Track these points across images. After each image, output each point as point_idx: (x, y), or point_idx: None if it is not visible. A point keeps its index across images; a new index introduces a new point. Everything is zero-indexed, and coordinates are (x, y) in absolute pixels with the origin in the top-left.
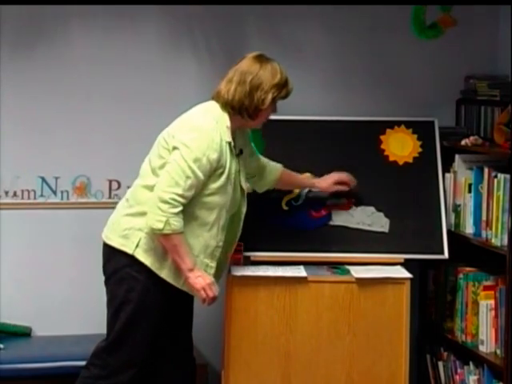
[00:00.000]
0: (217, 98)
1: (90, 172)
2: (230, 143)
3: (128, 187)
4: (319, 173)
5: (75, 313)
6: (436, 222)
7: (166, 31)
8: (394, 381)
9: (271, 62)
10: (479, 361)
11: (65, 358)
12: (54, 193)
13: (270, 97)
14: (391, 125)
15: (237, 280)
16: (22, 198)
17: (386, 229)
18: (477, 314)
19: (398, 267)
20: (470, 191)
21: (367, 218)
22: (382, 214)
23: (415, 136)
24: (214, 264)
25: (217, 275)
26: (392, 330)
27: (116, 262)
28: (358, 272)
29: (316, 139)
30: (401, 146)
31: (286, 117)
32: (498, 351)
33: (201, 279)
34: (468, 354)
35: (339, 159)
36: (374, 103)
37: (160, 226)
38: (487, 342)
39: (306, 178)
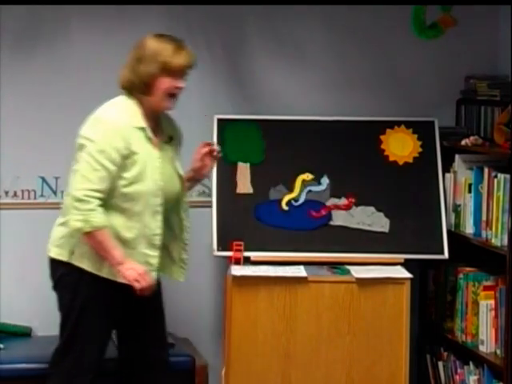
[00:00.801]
0: (119, 86)
1: None
2: (143, 129)
3: None
4: (319, 173)
5: None
6: (436, 222)
7: (166, 30)
8: (394, 381)
9: (165, 35)
10: (479, 361)
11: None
12: (54, 193)
13: (154, 66)
14: (391, 125)
15: (237, 280)
16: (22, 198)
17: (386, 229)
18: (477, 314)
19: (398, 267)
20: (470, 191)
21: (367, 218)
22: (382, 214)
23: (415, 136)
24: (155, 253)
25: (174, 267)
26: (392, 329)
27: (57, 272)
28: (358, 272)
29: (316, 139)
30: (401, 146)
31: (286, 117)
32: (498, 351)
33: (132, 271)
34: (468, 354)
35: (339, 159)
36: (374, 103)
37: (79, 225)
38: (487, 342)
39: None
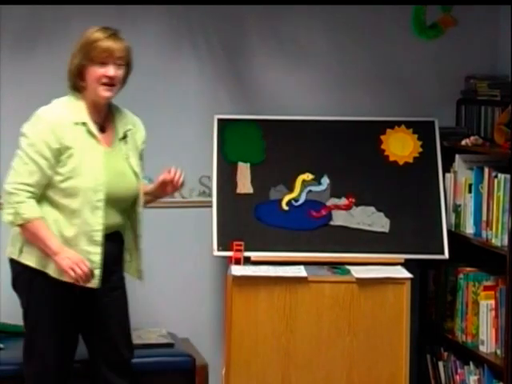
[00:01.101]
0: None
1: None
2: (85, 124)
3: None
4: (319, 173)
5: None
6: (436, 222)
7: (166, 31)
8: (394, 381)
9: (95, 29)
10: (479, 361)
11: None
12: None
13: (79, 56)
14: (391, 125)
15: (237, 280)
16: None
17: (386, 229)
18: (477, 314)
19: (399, 267)
20: (470, 191)
21: (367, 218)
22: (382, 214)
23: (415, 136)
24: (97, 250)
25: (132, 269)
26: (392, 329)
27: (14, 271)
28: (358, 272)
29: (316, 139)
30: (401, 146)
31: (286, 117)
32: (499, 351)
33: (67, 260)
34: (468, 354)
35: (339, 159)
36: (375, 103)
37: (11, 218)
38: (487, 342)
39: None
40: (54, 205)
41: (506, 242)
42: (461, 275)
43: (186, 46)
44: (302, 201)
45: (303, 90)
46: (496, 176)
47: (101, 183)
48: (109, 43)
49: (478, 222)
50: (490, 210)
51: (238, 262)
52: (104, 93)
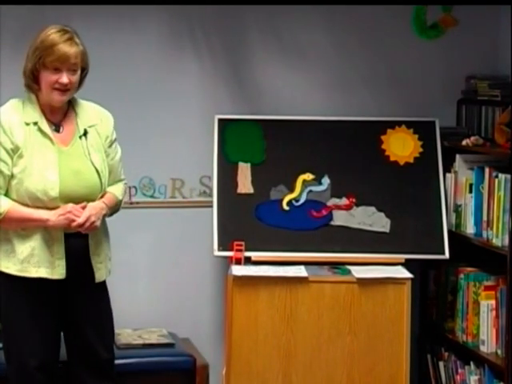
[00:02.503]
0: None
1: None
2: (36, 123)
3: (129, 186)
4: (320, 173)
5: None
6: (437, 222)
7: (167, 30)
8: (394, 381)
9: (54, 28)
10: (480, 361)
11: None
12: None
13: (32, 61)
14: (392, 125)
15: (237, 280)
16: None
17: (386, 229)
18: (478, 314)
19: (399, 267)
20: (470, 191)
21: (368, 218)
22: (382, 214)
23: (416, 136)
24: (58, 242)
25: (98, 266)
26: (393, 329)
27: None
28: (358, 272)
29: (317, 139)
30: (402, 146)
31: (286, 117)
32: (499, 351)
33: (61, 217)
34: (469, 354)
35: (340, 159)
36: (375, 103)
37: None
38: (488, 342)
39: None
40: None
41: (506, 242)
42: (461, 275)
43: (186, 46)
44: (302, 201)
45: (303, 90)
46: (496, 176)
47: (52, 182)
48: (64, 49)
49: (478, 222)
50: (490, 210)
51: (238, 262)
52: (57, 97)
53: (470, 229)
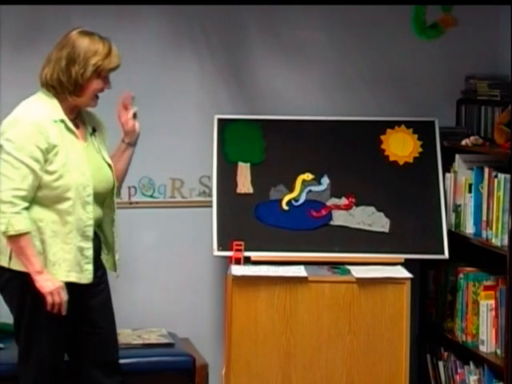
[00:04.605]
0: (40, 82)
1: None
2: (62, 121)
3: (128, 186)
4: (319, 173)
5: None
6: (436, 222)
7: (166, 29)
8: (394, 380)
9: (92, 34)
10: (479, 361)
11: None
12: None
13: (89, 69)
14: (391, 125)
15: (237, 280)
16: None
17: (386, 229)
18: (477, 314)
19: (399, 267)
20: (470, 191)
21: (368, 218)
22: (382, 214)
23: (415, 136)
24: (89, 245)
25: (108, 257)
26: (392, 329)
27: (1, 278)
28: (358, 272)
29: (316, 139)
30: (401, 146)
31: (286, 117)
32: (499, 351)
33: (49, 283)
34: (468, 354)
35: (339, 159)
36: (375, 103)
37: (3, 228)
38: (487, 342)
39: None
40: (46, 206)
41: (506, 241)
42: (461, 275)
43: (186, 46)
44: (302, 201)
45: (303, 90)
46: (496, 176)
47: (88, 177)
48: (117, 60)
49: (478, 221)
50: (490, 209)
51: (238, 261)
52: (95, 103)
53: (469, 229)
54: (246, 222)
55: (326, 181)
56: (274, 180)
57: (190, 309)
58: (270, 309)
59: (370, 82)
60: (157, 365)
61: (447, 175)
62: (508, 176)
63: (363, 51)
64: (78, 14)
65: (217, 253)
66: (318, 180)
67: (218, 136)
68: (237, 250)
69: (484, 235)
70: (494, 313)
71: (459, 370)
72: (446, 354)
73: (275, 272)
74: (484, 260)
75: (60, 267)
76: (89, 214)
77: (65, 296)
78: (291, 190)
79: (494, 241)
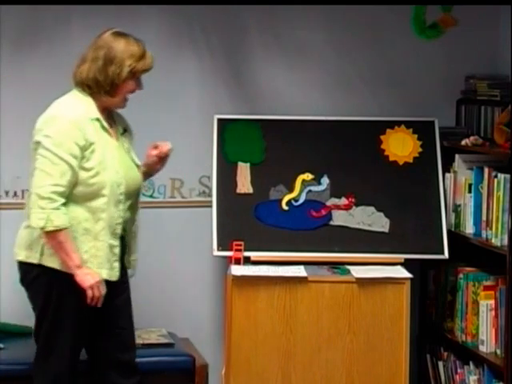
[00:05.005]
0: (74, 80)
1: None
2: (98, 119)
3: None
4: (319, 173)
5: None
6: (436, 222)
7: (166, 29)
8: (394, 380)
9: (127, 36)
10: (479, 361)
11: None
12: None
13: (125, 70)
14: (391, 125)
15: (237, 280)
16: (23, 198)
17: (386, 229)
18: (477, 314)
19: (398, 267)
20: (470, 191)
21: (367, 218)
22: (382, 214)
23: (415, 136)
24: (117, 243)
25: (127, 257)
26: (392, 329)
27: (28, 275)
28: (358, 272)
29: (316, 139)
30: (401, 146)
31: (286, 117)
32: (498, 351)
33: (89, 277)
34: (468, 354)
35: (339, 159)
36: (374, 103)
37: (41, 223)
38: (487, 342)
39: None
40: (79, 203)
41: (505, 241)
42: (461, 275)
43: (185, 46)
44: (301, 201)
45: (303, 90)
46: (496, 176)
47: (121, 176)
48: (151, 62)
49: (477, 221)
50: (489, 209)
51: (237, 261)
52: (124, 104)
53: (469, 229)
54: (246, 222)
55: (325, 181)
56: (273, 180)
57: (190, 309)
58: (270, 309)
59: (370, 82)
60: (157, 365)
61: (447, 175)
62: (508, 176)
63: (363, 51)
64: (77, 13)
65: (217, 253)
66: (317, 180)
67: (218, 136)
68: (237, 250)
69: (484, 235)
70: (493, 313)
71: (459, 370)
72: (445, 354)
73: (275, 272)
74: (484, 260)
75: (92, 264)
76: (120, 212)
77: (103, 290)
78: (291, 190)
79: (493, 241)
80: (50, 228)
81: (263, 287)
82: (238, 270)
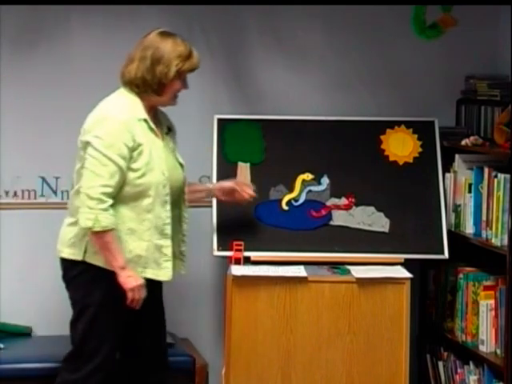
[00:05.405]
0: (122, 80)
1: None
2: (145, 120)
3: None
4: (319, 173)
5: None
6: (436, 222)
7: (166, 29)
8: (394, 380)
9: (174, 36)
10: (479, 361)
11: None
12: (55, 193)
13: (173, 69)
14: (391, 125)
15: (237, 280)
16: (23, 198)
17: (386, 229)
18: (477, 313)
19: (399, 267)
20: (470, 191)
21: (367, 218)
22: (382, 214)
23: (415, 136)
24: (168, 243)
25: (175, 260)
26: (392, 329)
27: (71, 272)
28: (358, 272)
29: (316, 139)
30: (401, 146)
31: (286, 117)
32: (498, 351)
33: (132, 279)
34: (468, 354)
35: (339, 159)
36: (374, 103)
37: (90, 223)
38: (487, 342)
39: (204, 185)
40: (124, 203)
41: (505, 241)
42: (461, 275)
43: None
44: (301, 201)
45: (303, 90)
46: (496, 176)
47: (167, 177)
48: (198, 62)
49: (477, 221)
50: (489, 209)
51: (238, 261)
52: (174, 102)
53: (469, 229)
54: (246, 222)
55: (325, 181)
56: (273, 180)
57: (189, 309)
58: (270, 309)
59: (370, 82)
60: None
61: (447, 175)
62: (508, 176)
63: (363, 51)
64: (77, 13)
65: (217, 253)
66: (317, 180)
67: (218, 136)
68: (237, 250)
69: (484, 235)
70: (493, 313)
71: (459, 370)
72: (445, 353)
73: (275, 272)
74: (484, 260)
75: (136, 264)
76: (167, 213)
77: (144, 293)
78: (291, 190)
79: (493, 241)
80: (97, 228)
81: (263, 287)
82: (238, 270)
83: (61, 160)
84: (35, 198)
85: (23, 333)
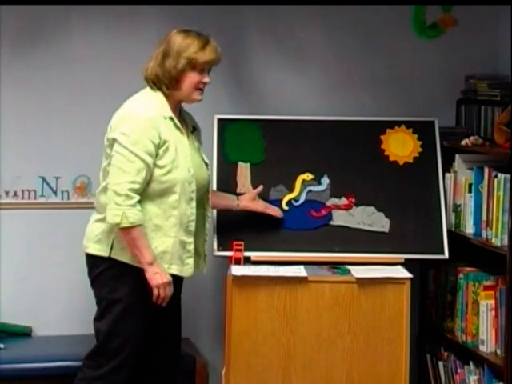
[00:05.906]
0: (144, 79)
1: (91, 172)
2: (171, 118)
3: None
4: (319, 173)
5: (75, 313)
6: (436, 222)
7: (166, 29)
8: (394, 380)
9: (189, 31)
10: (479, 361)
11: (65, 358)
12: (55, 193)
13: (181, 61)
14: (391, 125)
15: (237, 280)
16: (23, 198)
17: (386, 229)
18: (477, 313)
19: (399, 267)
20: (470, 191)
21: (367, 218)
22: (382, 214)
23: (415, 136)
24: (191, 239)
25: (197, 258)
26: (392, 329)
27: (97, 268)
28: (358, 272)
29: (316, 139)
30: (401, 146)
31: (286, 117)
32: (499, 351)
33: (158, 276)
34: (468, 354)
35: (339, 159)
36: (374, 103)
37: (117, 219)
38: (487, 342)
39: (230, 198)
40: (150, 199)
41: (506, 241)
42: (461, 275)
43: None
44: (301, 201)
45: (303, 90)
46: (496, 176)
47: (193, 174)
48: (212, 54)
49: (477, 221)
50: (489, 209)
51: (238, 261)
52: (198, 96)
53: (469, 229)
54: (246, 222)
55: (325, 181)
56: (273, 180)
57: (190, 309)
58: (270, 309)
59: (370, 82)
60: None
61: (447, 175)
62: (508, 176)
63: (363, 51)
64: (77, 13)
65: (217, 253)
66: (317, 180)
67: (218, 136)
68: (237, 250)
69: (484, 235)
70: (493, 313)
71: (459, 370)
72: (445, 353)
73: (275, 272)
74: (484, 260)
75: (162, 260)
76: (192, 210)
77: (170, 291)
78: (291, 190)
79: (493, 241)
80: (125, 224)
81: (263, 287)
82: (238, 270)
83: (61, 160)
84: (35, 198)
85: (23, 333)
